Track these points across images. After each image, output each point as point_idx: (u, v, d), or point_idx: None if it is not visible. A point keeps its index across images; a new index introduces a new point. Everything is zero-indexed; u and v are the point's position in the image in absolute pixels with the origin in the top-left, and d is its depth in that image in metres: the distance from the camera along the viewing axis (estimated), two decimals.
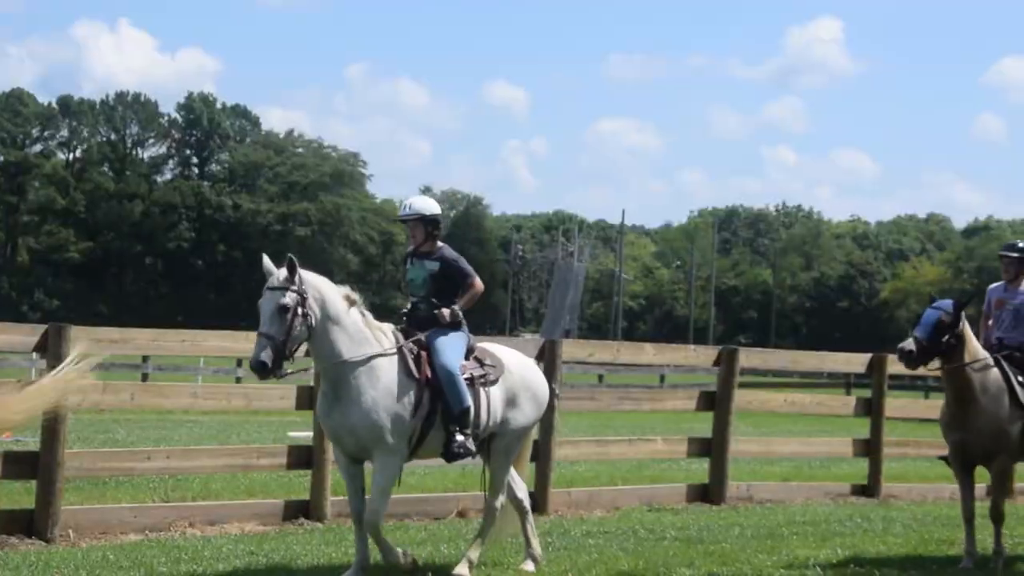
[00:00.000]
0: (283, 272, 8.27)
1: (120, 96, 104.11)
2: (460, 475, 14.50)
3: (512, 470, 9.40)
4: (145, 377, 31.32)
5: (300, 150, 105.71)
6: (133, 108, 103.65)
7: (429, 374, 8.68)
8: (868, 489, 15.25)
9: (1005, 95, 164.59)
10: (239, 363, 31.79)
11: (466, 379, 8.77)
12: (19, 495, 11.25)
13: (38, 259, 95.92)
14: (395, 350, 8.62)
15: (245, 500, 11.84)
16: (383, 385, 8.48)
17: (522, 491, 9.52)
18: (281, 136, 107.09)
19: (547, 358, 12.82)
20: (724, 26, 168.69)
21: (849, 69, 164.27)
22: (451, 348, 8.82)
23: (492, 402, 8.98)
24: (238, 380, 30.37)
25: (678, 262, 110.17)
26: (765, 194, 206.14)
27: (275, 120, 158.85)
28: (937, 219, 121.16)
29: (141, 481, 12.66)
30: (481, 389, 8.91)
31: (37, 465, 10.03)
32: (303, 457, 11.57)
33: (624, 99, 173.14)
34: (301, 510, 11.45)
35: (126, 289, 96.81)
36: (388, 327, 8.80)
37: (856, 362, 16.37)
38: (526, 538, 9.47)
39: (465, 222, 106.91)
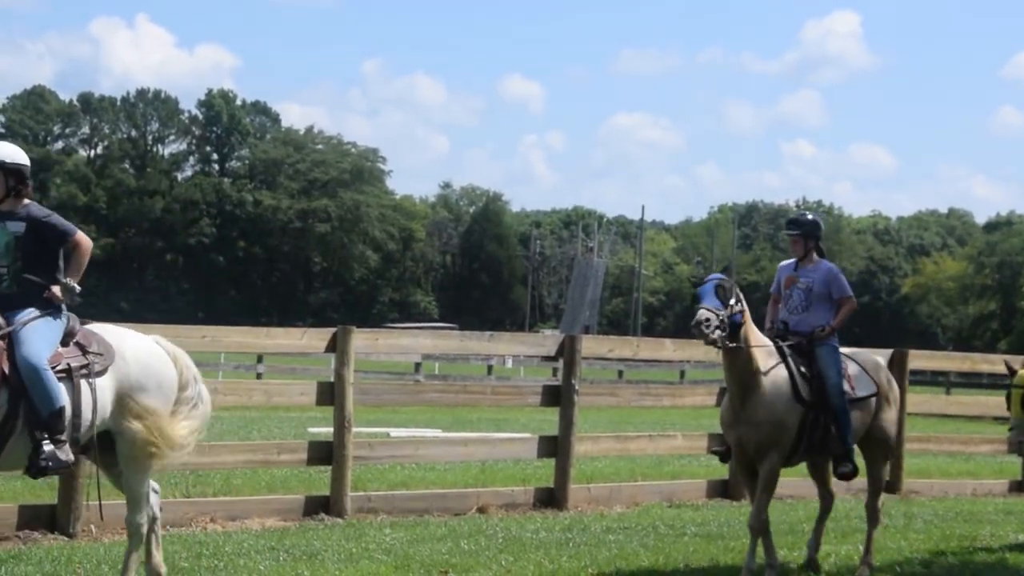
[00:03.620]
0: None
1: (141, 93, 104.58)
2: (480, 471, 14.53)
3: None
4: None
5: (320, 146, 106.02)
6: (154, 105, 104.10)
7: (7, 370, 7.13)
8: (889, 485, 15.08)
9: None
10: (260, 359, 31.99)
11: (62, 370, 7.26)
12: (42, 490, 11.30)
13: None
14: None
15: (266, 496, 11.86)
16: None
17: (153, 509, 7.95)
18: (301, 132, 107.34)
19: (567, 354, 12.85)
20: (739, 20, 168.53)
21: (867, 63, 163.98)
22: (37, 337, 7.25)
23: (99, 397, 7.41)
24: (259, 376, 30.49)
25: (698, 258, 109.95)
26: (784, 189, 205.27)
27: (294, 116, 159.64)
28: (958, 214, 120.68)
29: (162, 476, 12.69)
30: (83, 382, 7.35)
31: None
32: (323, 453, 11.59)
33: (639, 94, 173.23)
34: (321, 505, 11.48)
35: (147, 285, 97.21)
36: None
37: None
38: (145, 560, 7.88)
39: (484, 218, 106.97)
